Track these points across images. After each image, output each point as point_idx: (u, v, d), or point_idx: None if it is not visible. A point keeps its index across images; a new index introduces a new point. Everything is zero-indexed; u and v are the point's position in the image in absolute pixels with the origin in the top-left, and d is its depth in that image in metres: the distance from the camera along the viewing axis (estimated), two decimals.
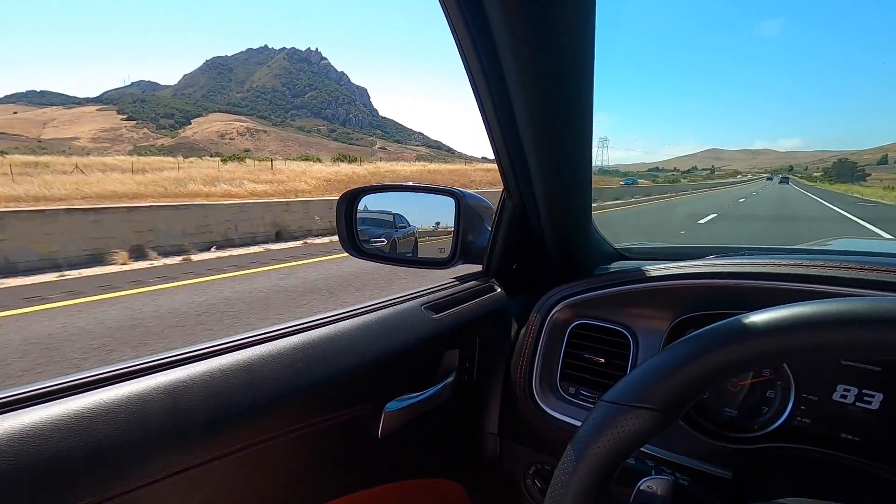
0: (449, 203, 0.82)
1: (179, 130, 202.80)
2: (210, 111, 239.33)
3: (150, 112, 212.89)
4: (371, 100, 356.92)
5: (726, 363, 0.35)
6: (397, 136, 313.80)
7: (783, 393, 0.58)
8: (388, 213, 0.90)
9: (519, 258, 0.84)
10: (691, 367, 0.36)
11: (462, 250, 0.81)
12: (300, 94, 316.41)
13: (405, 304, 0.70)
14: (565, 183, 0.70)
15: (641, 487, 0.44)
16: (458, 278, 0.83)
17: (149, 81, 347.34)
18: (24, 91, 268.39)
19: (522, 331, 0.78)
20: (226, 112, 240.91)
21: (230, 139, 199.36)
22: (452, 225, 0.82)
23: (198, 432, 0.44)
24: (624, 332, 0.71)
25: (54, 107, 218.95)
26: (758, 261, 0.65)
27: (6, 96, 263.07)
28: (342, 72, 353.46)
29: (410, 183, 1.01)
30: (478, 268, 0.85)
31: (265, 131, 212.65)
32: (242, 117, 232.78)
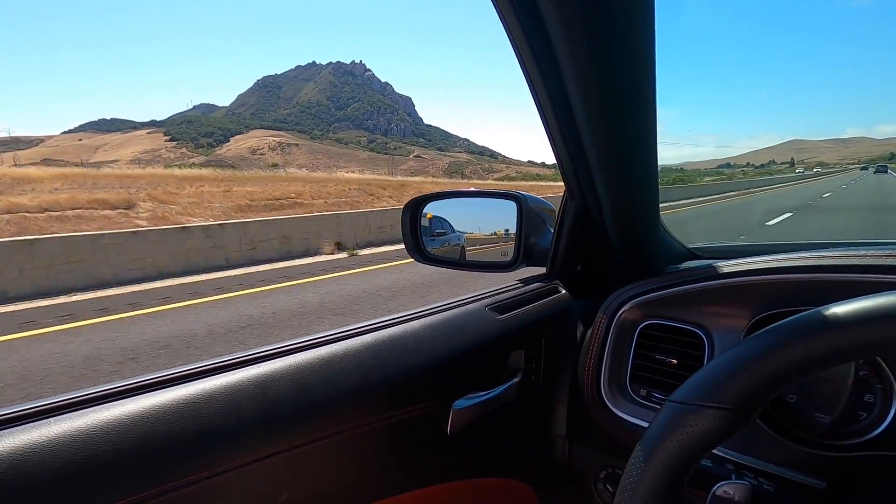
0: (511, 207, 0.83)
1: (215, 148, 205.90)
2: (252, 128, 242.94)
3: (192, 132, 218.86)
4: (416, 108, 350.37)
5: (805, 358, 0.32)
6: (440, 143, 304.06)
7: (885, 396, 0.53)
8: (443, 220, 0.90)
9: (583, 259, 0.83)
10: (766, 363, 0.33)
11: (525, 253, 0.81)
12: (343, 107, 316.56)
13: (470, 306, 0.71)
14: (630, 181, 0.68)
15: (717, 492, 0.43)
16: (521, 280, 0.83)
17: (208, 104, 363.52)
18: (97, 119, 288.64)
19: (589, 332, 0.76)
20: (267, 129, 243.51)
21: (261, 154, 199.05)
22: (514, 229, 0.82)
23: (284, 421, 0.49)
24: (698, 332, 0.68)
25: (115, 133, 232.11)
26: (847, 252, 0.60)
27: (80, 125, 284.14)
28: (386, 82, 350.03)
29: (472, 189, 1.04)
30: (541, 271, 0.85)
31: (297, 145, 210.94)
32: (282, 133, 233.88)
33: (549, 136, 0.67)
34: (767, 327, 0.36)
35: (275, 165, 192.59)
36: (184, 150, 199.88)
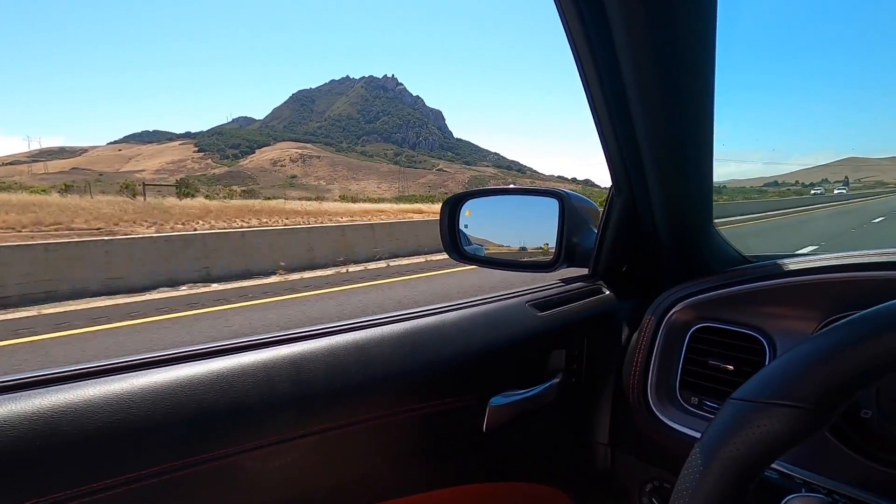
0: (553, 205, 0.80)
1: (240, 160, 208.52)
2: (280, 140, 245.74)
3: (221, 144, 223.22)
4: (446, 122, 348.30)
5: None
6: (468, 157, 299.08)
7: None
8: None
9: (629, 260, 0.80)
10: (853, 354, 0.29)
11: (566, 253, 0.78)
12: (373, 121, 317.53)
13: (509, 301, 0.69)
14: (684, 177, 0.64)
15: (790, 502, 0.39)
16: (562, 280, 0.80)
17: (246, 117, 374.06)
18: (140, 131, 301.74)
19: (635, 335, 0.72)
20: (294, 141, 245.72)
21: (281, 166, 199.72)
22: (556, 227, 0.78)
23: (318, 402, 0.48)
24: (757, 336, 0.63)
25: (152, 144, 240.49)
26: None
27: (125, 137, 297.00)
28: (417, 96, 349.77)
29: (512, 186, 1.00)
30: (583, 272, 0.81)
31: (318, 157, 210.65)
32: (308, 145, 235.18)
33: (598, 128, 0.65)
34: (855, 315, 0.31)
35: (293, 177, 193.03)
36: (209, 160, 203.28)
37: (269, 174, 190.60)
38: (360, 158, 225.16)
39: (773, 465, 0.49)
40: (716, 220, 0.73)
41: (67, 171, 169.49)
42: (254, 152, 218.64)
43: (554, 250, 0.79)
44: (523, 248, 0.89)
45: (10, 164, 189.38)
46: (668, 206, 0.69)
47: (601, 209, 0.79)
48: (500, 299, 0.69)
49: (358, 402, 0.51)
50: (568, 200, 0.79)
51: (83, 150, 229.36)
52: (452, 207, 0.89)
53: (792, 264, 0.63)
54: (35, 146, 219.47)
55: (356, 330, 0.56)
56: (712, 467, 0.30)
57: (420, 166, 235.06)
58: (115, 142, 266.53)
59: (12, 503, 0.35)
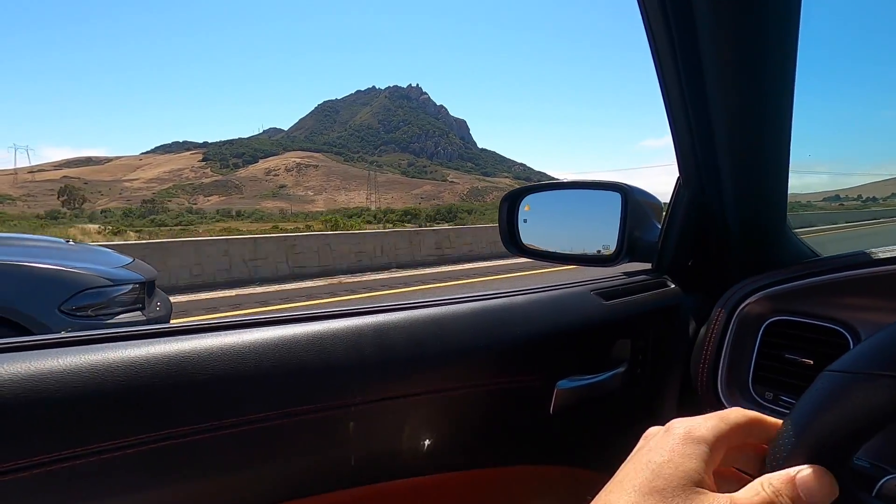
0: (614, 200, 0.79)
1: (239, 169, 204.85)
2: (290, 150, 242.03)
3: (226, 153, 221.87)
4: (470, 132, 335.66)
5: None
6: (490, 167, 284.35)
7: None
8: None
9: (696, 254, 0.78)
10: None
11: (629, 247, 0.77)
12: (392, 130, 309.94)
13: (574, 289, 0.69)
14: (759, 172, 0.63)
15: (886, 484, 0.38)
16: (626, 273, 0.79)
17: (275, 128, 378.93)
18: (170, 143, 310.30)
19: (704, 328, 0.70)
20: (306, 150, 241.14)
21: (275, 175, 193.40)
22: (618, 221, 0.78)
23: (399, 368, 0.52)
24: (841, 330, 0.59)
25: (169, 153, 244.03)
26: None
27: (155, 147, 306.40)
28: (441, 105, 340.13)
29: (573, 180, 0.94)
30: (645, 267, 0.81)
31: (315, 166, 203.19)
32: (317, 154, 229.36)
33: (669, 116, 0.63)
34: None
35: (282, 187, 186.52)
36: (208, 170, 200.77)
37: (259, 183, 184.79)
38: (368, 168, 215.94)
39: (867, 457, 0.46)
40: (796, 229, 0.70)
41: (57, 180, 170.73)
42: (256, 162, 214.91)
43: (615, 244, 0.79)
44: (581, 243, 0.88)
45: (30, 172, 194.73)
46: (741, 199, 0.67)
47: (664, 204, 0.77)
48: (566, 287, 0.70)
49: (434, 372, 0.54)
50: (631, 194, 0.78)
51: (108, 160, 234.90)
52: (512, 202, 0.90)
53: (884, 252, 0.59)
54: (22, 156, 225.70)
55: (433, 307, 0.58)
56: (805, 437, 0.28)
57: (429, 176, 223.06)
58: (146, 152, 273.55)
59: (153, 432, 0.40)
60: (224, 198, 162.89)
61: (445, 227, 12.41)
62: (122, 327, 0.45)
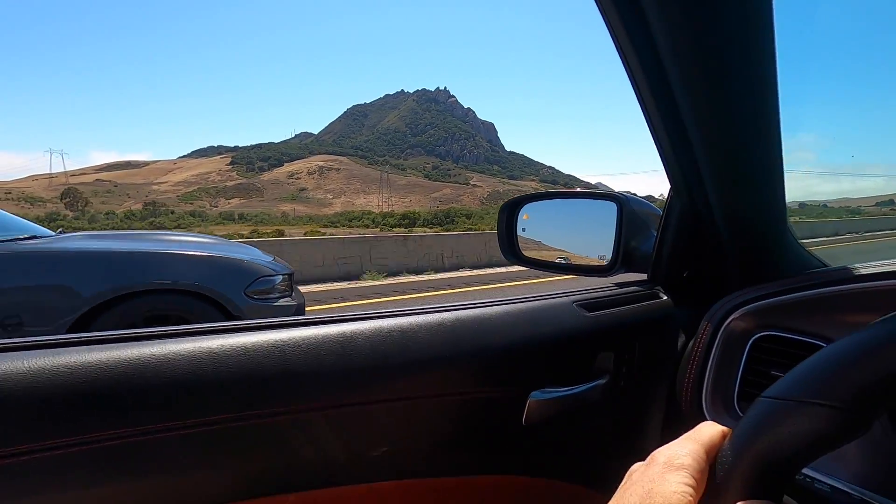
0: (611, 209, 0.79)
1: (264, 172, 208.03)
2: (316, 154, 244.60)
3: (253, 156, 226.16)
4: (498, 134, 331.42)
5: None
6: (517, 170, 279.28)
7: None
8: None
9: (691, 266, 0.77)
10: (891, 352, 0.27)
11: (624, 258, 0.77)
12: (419, 134, 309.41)
13: (555, 300, 0.68)
14: (747, 180, 0.61)
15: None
16: (617, 284, 0.78)
17: (306, 132, 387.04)
18: (206, 147, 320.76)
19: (691, 342, 0.70)
20: (331, 154, 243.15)
21: (296, 178, 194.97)
22: (614, 231, 0.78)
23: (361, 375, 0.52)
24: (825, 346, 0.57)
25: (202, 157, 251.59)
26: None
27: (192, 151, 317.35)
28: (468, 108, 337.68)
29: (569, 189, 1.00)
30: (642, 277, 0.80)
31: (337, 169, 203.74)
32: (342, 158, 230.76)
33: (649, 127, 0.63)
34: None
35: (302, 190, 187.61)
36: (234, 173, 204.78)
37: (280, 186, 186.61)
38: (382, 171, 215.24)
39: (828, 480, 0.47)
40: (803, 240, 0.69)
41: (91, 183, 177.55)
42: (281, 165, 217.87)
43: (611, 255, 0.79)
44: (580, 253, 0.89)
45: (72, 175, 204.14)
46: (733, 209, 0.66)
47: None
48: (547, 298, 0.69)
49: (398, 380, 0.54)
50: (626, 204, 0.78)
51: (146, 164, 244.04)
52: (510, 211, 0.90)
53: (867, 269, 0.58)
54: (57, 159, 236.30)
55: (399, 316, 0.58)
56: (740, 464, 0.28)
57: (452, 180, 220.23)
58: (183, 156, 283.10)
59: (111, 430, 0.41)
60: (245, 200, 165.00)
61: (415, 233, 12.58)
62: (123, 330, 0.47)
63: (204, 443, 0.46)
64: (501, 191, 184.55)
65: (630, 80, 0.58)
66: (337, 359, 0.52)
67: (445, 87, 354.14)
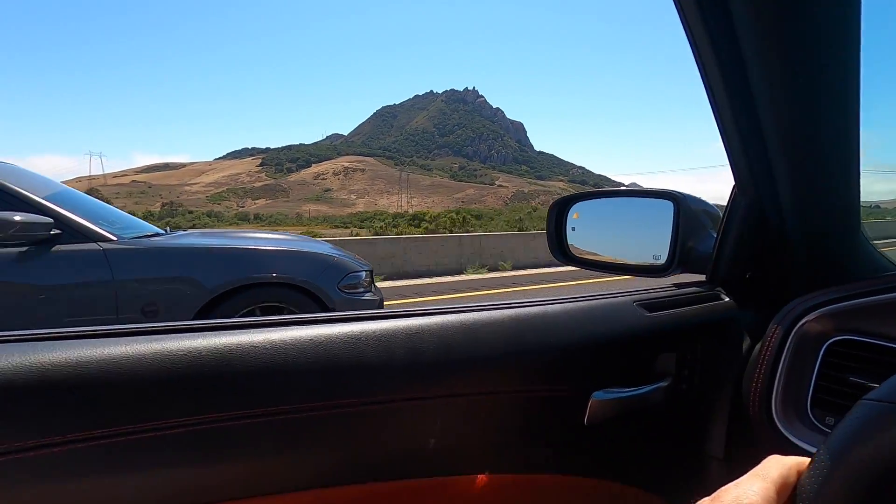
0: (667, 208, 0.77)
1: (290, 174, 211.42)
2: (344, 155, 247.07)
3: (282, 158, 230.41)
4: (527, 134, 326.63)
5: None
6: (545, 171, 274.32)
7: None
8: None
9: (754, 266, 0.73)
10: None
11: (681, 258, 0.75)
12: (447, 134, 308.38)
13: (615, 299, 0.67)
14: (822, 176, 0.59)
15: None
16: (676, 285, 0.75)
17: (337, 134, 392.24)
18: (240, 149, 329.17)
19: (758, 346, 0.66)
20: (358, 155, 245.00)
21: (322, 179, 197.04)
22: (670, 231, 0.76)
23: (427, 370, 0.53)
24: None
25: (234, 159, 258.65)
26: None
27: (227, 153, 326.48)
28: (497, 108, 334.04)
29: (623, 187, 0.97)
30: (699, 279, 0.77)
31: (362, 170, 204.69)
32: (368, 158, 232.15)
33: (717, 120, 0.61)
34: None
35: (327, 190, 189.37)
36: (263, 174, 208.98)
37: (305, 187, 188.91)
38: (415, 172, 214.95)
39: None
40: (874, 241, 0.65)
41: (127, 185, 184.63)
42: (309, 166, 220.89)
43: (667, 255, 0.76)
44: (632, 252, 0.87)
45: (114, 177, 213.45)
46: (803, 207, 0.63)
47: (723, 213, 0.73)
48: (606, 297, 0.68)
49: (463, 376, 0.55)
50: (684, 202, 0.76)
51: (183, 165, 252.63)
52: (560, 209, 0.89)
53: None
54: (96, 161, 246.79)
55: (465, 312, 0.59)
56: (841, 469, 0.26)
57: (479, 180, 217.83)
58: (218, 158, 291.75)
59: (198, 415, 0.44)
60: (270, 201, 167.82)
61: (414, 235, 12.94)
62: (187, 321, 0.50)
63: (281, 430, 0.47)
64: (527, 191, 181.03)
65: (701, 72, 0.56)
66: (406, 352, 0.52)
67: (474, 88, 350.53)
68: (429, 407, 0.54)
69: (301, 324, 0.52)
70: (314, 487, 0.50)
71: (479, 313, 0.59)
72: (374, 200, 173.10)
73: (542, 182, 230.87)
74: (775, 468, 0.28)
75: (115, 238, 2.59)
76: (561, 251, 0.89)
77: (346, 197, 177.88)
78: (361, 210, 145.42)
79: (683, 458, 0.71)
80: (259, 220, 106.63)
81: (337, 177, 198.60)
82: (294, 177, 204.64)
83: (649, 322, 0.65)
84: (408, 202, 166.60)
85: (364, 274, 3.15)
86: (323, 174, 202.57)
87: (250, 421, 0.46)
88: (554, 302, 0.64)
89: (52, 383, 0.40)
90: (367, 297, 3.12)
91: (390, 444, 0.54)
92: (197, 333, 0.48)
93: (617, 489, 0.66)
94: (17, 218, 2.28)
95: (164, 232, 3.23)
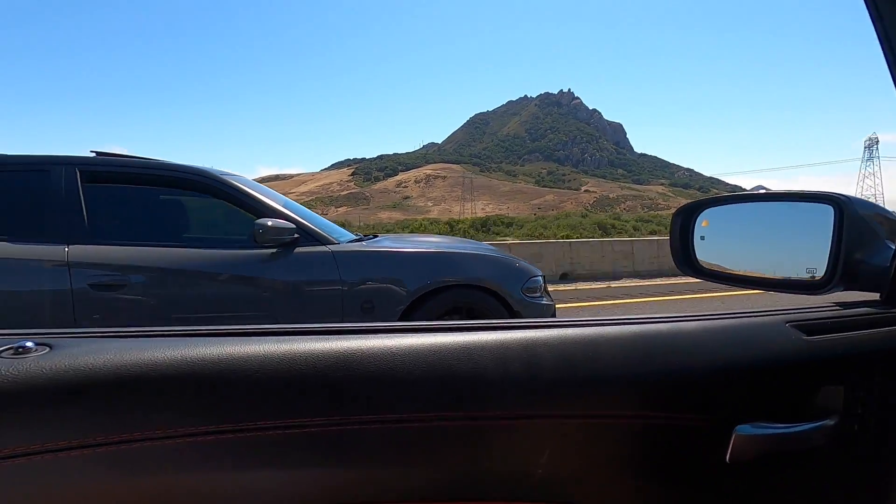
0: (824, 213, 0.66)
1: (377, 182, 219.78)
2: (433, 163, 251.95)
3: (373, 167, 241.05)
4: (627, 136, 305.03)
5: None
6: (646, 174, 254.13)
7: None
8: None
9: None
10: None
11: (844, 272, 0.63)
12: (539, 139, 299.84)
13: (763, 318, 0.59)
14: None
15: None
16: (839, 304, 0.66)
17: (432, 143, 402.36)
18: (343, 160, 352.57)
19: None
20: (446, 163, 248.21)
21: (404, 187, 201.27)
22: (829, 241, 0.64)
23: (546, 386, 0.49)
24: None
25: (332, 170, 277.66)
26: None
27: (331, 164, 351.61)
28: (594, 109, 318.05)
29: (767, 191, 0.85)
30: (868, 297, 0.66)
31: (444, 177, 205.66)
32: (454, 166, 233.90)
33: None
34: None
35: (406, 198, 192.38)
36: (352, 183, 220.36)
37: (387, 195, 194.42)
38: (500, 178, 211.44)
39: None
40: None
41: None
42: (396, 175, 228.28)
43: (825, 269, 0.65)
44: (776, 265, 0.75)
45: None
46: None
47: None
48: (751, 315, 0.59)
49: (583, 396, 0.50)
50: (848, 206, 0.64)
51: (291, 177, 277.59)
52: (686, 217, 0.80)
53: None
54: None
55: (587, 327, 0.54)
56: None
57: (566, 185, 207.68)
58: (324, 169, 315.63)
59: (322, 417, 0.44)
60: (351, 209, 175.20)
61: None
62: (301, 324, 0.51)
63: (394, 438, 0.46)
64: (612, 196, 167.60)
65: (885, 52, 0.50)
66: (522, 366, 0.49)
67: (569, 90, 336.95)
68: (546, 427, 0.50)
69: (417, 331, 0.51)
70: (417, 500, 0.48)
71: (602, 328, 0.54)
72: (450, 207, 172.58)
73: (637, 186, 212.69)
74: None
75: (337, 242, 2.89)
76: (687, 263, 0.79)
77: (423, 204, 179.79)
78: (435, 216, 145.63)
79: None
80: None
81: (418, 184, 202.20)
82: (378, 185, 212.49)
83: (808, 347, 0.57)
84: (482, 209, 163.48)
85: (541, 279, 3.18)
86: (405, 182, 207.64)
87: (366, 427, 0.46)
88: (688, 318, 0.57)
89: (195, 378, 0.42)
90: (545, 301, 3.14)
91: (501, 463, 0.50)
92: (319, 336, 0.48)
93: None
94: (270, 223, 2.61)
95: (362, 237, 3.44)
